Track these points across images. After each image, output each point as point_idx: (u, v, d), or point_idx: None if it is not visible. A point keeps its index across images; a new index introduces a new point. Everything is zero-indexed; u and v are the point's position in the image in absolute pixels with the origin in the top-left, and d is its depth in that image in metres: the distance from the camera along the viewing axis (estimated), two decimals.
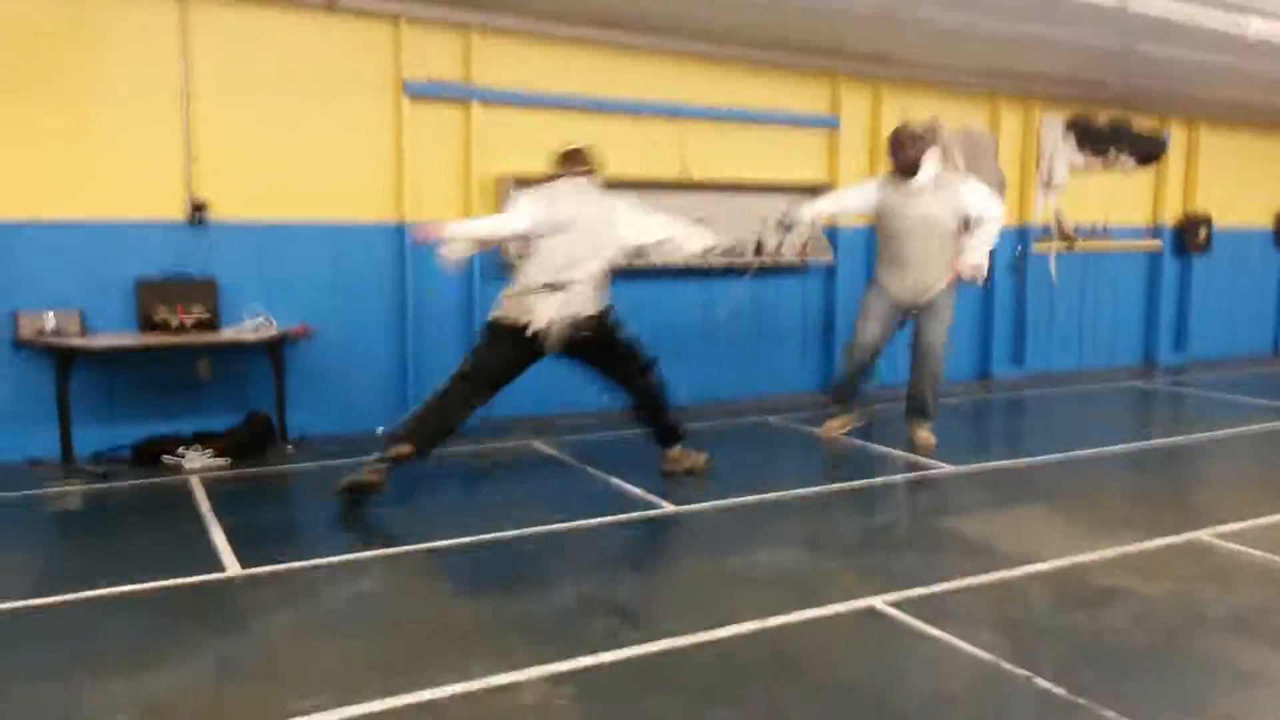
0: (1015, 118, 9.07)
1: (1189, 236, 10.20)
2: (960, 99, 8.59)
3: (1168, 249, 10.19)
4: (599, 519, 4.50)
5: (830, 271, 8.16)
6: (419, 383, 6.52)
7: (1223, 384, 8.89)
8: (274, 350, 5.82)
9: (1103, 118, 9.41)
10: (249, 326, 5.81)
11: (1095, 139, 9.41)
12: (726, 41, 7.29)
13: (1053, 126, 9.20)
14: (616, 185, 6.93)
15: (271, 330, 5.77)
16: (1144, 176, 10.00)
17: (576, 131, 6.91)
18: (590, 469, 5.47)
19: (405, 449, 4.74)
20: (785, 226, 6.59)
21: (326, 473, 5.38)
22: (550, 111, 6.87)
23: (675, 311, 7.44)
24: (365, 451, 5.78)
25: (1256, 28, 6.58)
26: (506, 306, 4.99)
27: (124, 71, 5.66)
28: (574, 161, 5.24)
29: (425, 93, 6.43)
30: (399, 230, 6.44)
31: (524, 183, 6.68)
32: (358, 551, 4.04)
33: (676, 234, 5.28)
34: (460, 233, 5.07)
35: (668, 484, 5.07)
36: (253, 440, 5.70)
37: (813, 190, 7.89)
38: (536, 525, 4.38)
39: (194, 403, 5.92)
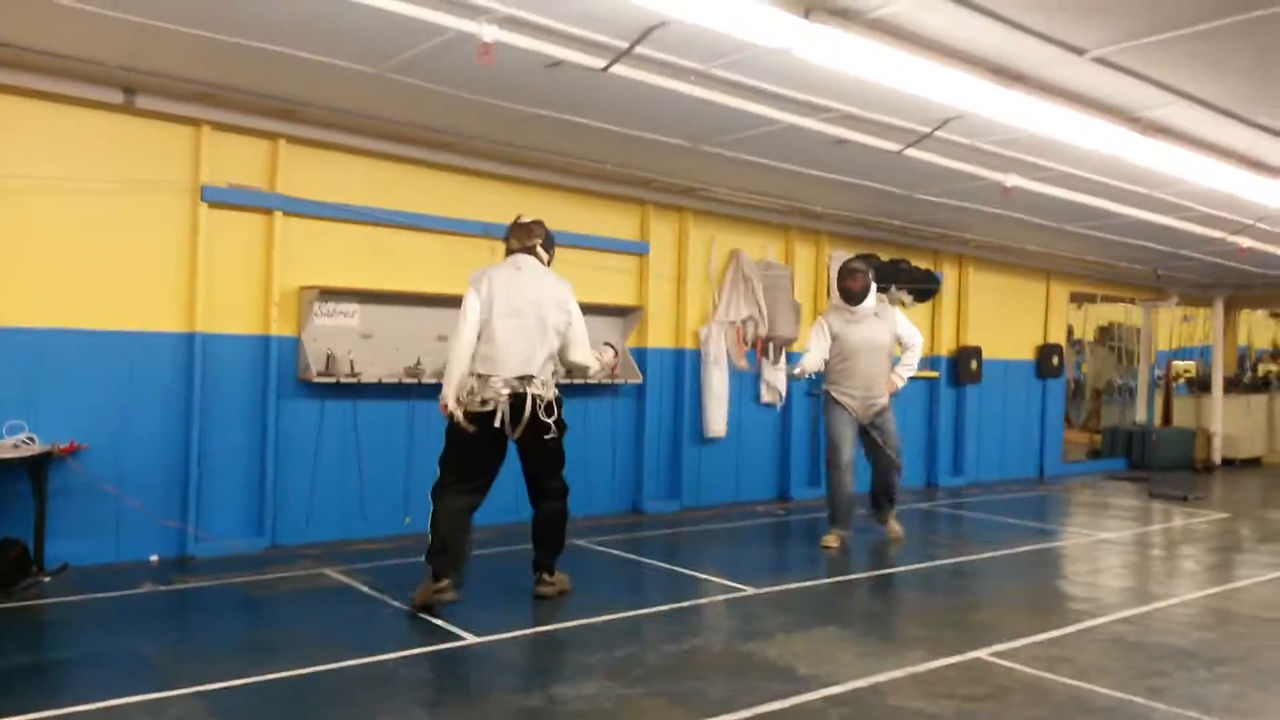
0: (808, 251, 9.69)
1: (962, 367, 11.08)
2: (759, 232, 9.11)
3: (944, 378, 11.02)
4: (395, 653, 4.27)
5: (640, 390, 8.31)
6: (201, 505, 6.09)
7: (996, 506, 9.57)
8: (36, 470, 5.30)
9: (884, 255, 10.21)
10: (8, 443, 5.28)
11: (878, 275, 10.12)
12: (539, 166, 7.49)
13: (840, 262, 9.85)
14: (428, 300, 6.94)
15: (33, 448, 5.27)
16: (922, 311, 10.85)
17: (385, 246, 6.88)
18: (387, 598, 5.21)
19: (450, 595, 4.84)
20: (795, 377, 7.43)
21: (88, 607, 4.89)
22: (358, 224, 6.79)
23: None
24: (136, 583, 5.33)
25: (1013, 180, 7.36)
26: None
27: None
28: (518, 235, 5.24)
29: (225, 199, 6.21)
30: (189, 340, 6.10)
31: (328, 294, 6.54)
32: (119, 698, 3.64)
33: (584, 370, 5.38)
34: (449, 387, 4.88)
35: (466, 612, 4.86)
36: (4, 571, 5.09)
37: (623, 312, 8.11)
38: (326, 662, 4.10)
39: None
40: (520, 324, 4.95)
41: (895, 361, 7.27)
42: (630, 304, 8.25)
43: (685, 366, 8.63)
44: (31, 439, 5.35)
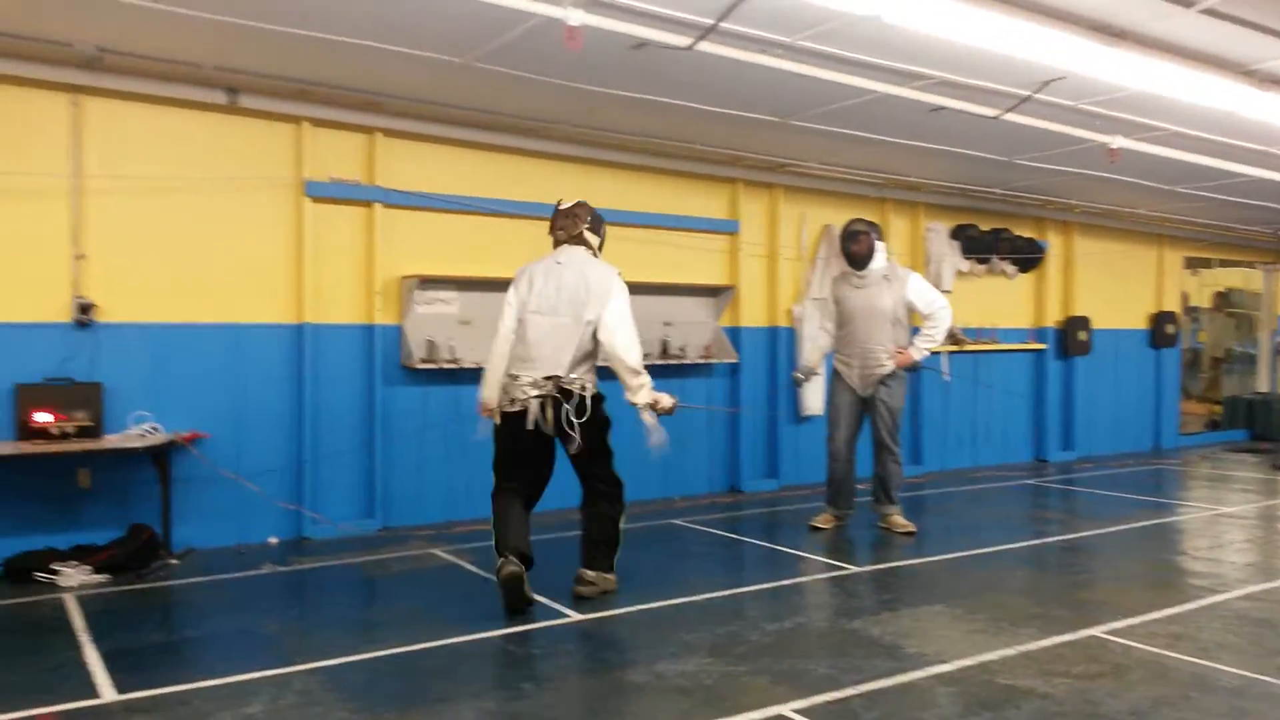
0: (904, 224, 9.49)
1: (1070, 338, 10.71)
2: (853, 205, 8.95)
3: (1051, 350, 10.67)
4: (500, 630, 4.37)
5: (734, 369, 8.28)
6: (315, 489, 6.33)
7: (1108, 481, 9.24)
8: (160, 458, 5.58)
9: (985, 225, 9.92)
10: (135, 433, 5.57)
11: (978, 246, 9.89)
12: (626, 149, 7.50)
13: (939, 233, 9.64)
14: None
15: (158, 437, 5.54)
16: (1026, 281, 10.52)
17: (481, 234, 7.00)
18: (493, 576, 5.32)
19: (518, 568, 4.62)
20: (801, 381, 7.15)
21: (212, 588, 5.13)
22: (454, 214, 6.91)
23: None
24: (256, 564, 5.56)
25: (1120, 142, 7.07)
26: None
27: (9, 166, 5.49)
28: (561, 224, 4.99)
29: (327, 193, 6.40)
30: (297, 331, 6.32)
31: (428, 283, 6.69)
32: (244, 674, 3.82)
33: (630, 370, 4.75)
34: (484, 388, 4.85)
35: (568, 590, 4.95)
36: (135, 554, 5.38)
37: (714, 291, 8.08)
38: (436, 639, 4.22)
39: (74, 514, 5.61)
40: (553, 321, 4.76)
41: (915, 332, 6.62)
42: (722, 283, 8.21)
43: (780, 345, 8.57)
44: (156, 429, 5.62)
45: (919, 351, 6.51)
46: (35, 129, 5.56)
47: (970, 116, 6.41)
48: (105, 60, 5.44)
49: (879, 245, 6.55)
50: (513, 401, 4.74)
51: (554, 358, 4.73)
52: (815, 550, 6.06)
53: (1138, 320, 11.72)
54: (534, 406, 4.69)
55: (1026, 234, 10.35)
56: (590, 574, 4.92)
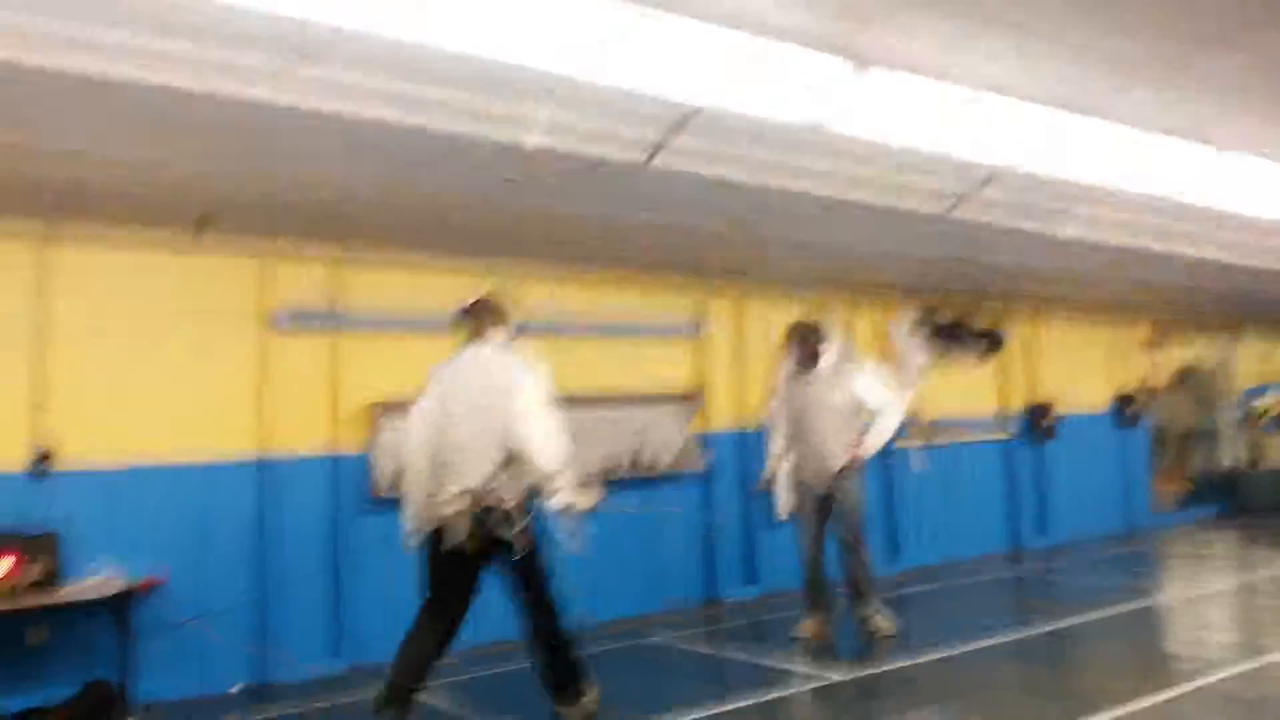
0: (867, 318, 9.60)
1: (1036, 423, 10.78)
2: (818, 303, 9.02)
3: (1019, 437, 10.72)
4: None
5: (705, 476, 8.22)
6: (280, 628, 6.11)
7: (1087, 566, 9.19)
8: (119, 607, 5.36)
9: (945, 316, 10.08)
10: (91, 583, 5.37)
11: (939, 335, 10.03)
12: (593, 260, 7.56)
13: (900, 327, 9.77)
14: None
15: (115, 584, 5.34)
16: (989, 369, 10.64)
17: (439, 352, 6.94)
18: (467, 712, 5.12)
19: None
20: (766, 488, 6.86)
21: None
22: (420, 335, 6.87)
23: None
24: (220, 715, 5.33)
25: (1068, 232, 7.25)
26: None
27: None
28: (465, 321, 4.66)
29: (291, 323, 6.36)
30: (260, 467, 6.20)
31: (394, 408, 6.61)
32: None
33: (545, 474, 4.29)
34: (410, 521, 4.49)
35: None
36: (90, 713, 5.12)
37: (683, 398, 8.09)
38: None
39: (28, 672, 5.34)
40: (462, 430, 4.36)
41: (867, 427, 6.49)
42: (690, 389, 8.22)
43: (749, 447, 8.53)
44: (113, 577, 5.42)
45: (866, 449, 6.44)
46: None
47: (918, 215, 6.56)
48: (69, 205, 5.45)
49: (824, 346, 6.59)
50: (432, 520, 4.38)
51: (466, 468, 4.31)
52: (799, 660, 5.91)
53: (1101, 402, 11.85)
54: (455, 523, 4.30)
55: (988, 322, 10.51)
56: (564, 710, 4.53)
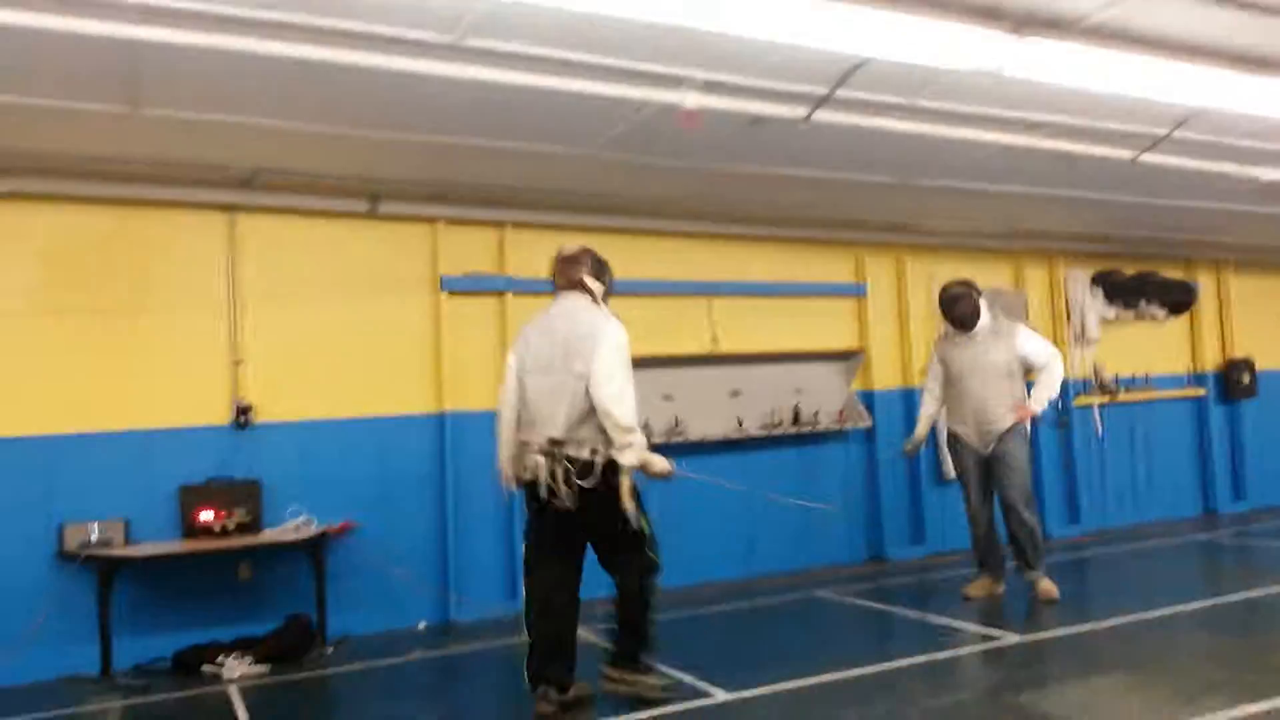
0: (1040, 275, 9.17)
1: (1233, 381, 10.05)
2: (984, 259, 8.71)
3: (1212, 395, 10.03)
4: (637, 712, 4.29)
5: (869, 434, 8.10)
6: (460, 573, 6.44)
7: None
8: (314, 549, 5.79)
9: (1129, 270, 9.49)
10: (290, 526, 5.81)
11: (1123, 291, 9.46)
12: (749, 220, 7.53)
13: (1079, 281, 9.27)
14: (653, 361, 7.12)
15: (311, 529, 5.76)
16: (1180, 325, 9.97)
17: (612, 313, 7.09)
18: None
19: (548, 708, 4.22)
20: (913, 453, 6.89)
21: (366, 675, 5.25)
22: None
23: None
24: (407, 649, 5.67)
25: (1269, 175, 6.69)
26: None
27: (172, 282, 5.94)
28: (559, 271, 4.56)
29: (462, 287, 6.65)
30: (439, 420, 6.52)
31: None
32: None
33: (618, 428, 4.18)
34: (499, 460, 4.54)
35: (710, 671, 4.80)
36: (292, 644, 5.58)
37: (844, 356, 7.97)
38: None
39: (236, 607, 5.86)
40: (546, 380, 4.33)
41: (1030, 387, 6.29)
42: (851, 348, 8.09)
43: (914, 406, 8.32)
44: (309, 521, 5.85)
45: (1039, 404, 6.22)
46: (195, 246, 6.00)
47: (1103, 160, 6.19)
48: (257, 180, 5.86)
49: (982, 302, 6.33)
50: (525, 469, 4.36)
51: (550, 417, 4.28)
52: (969, 620, 5.77)
53: None
54: (541, 473, 4.26)
55: (1175, 275, 9.84)
56: (613, 672, 4.44)
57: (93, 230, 5.77)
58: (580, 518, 4.27)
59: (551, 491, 4.23)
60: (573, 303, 4.48)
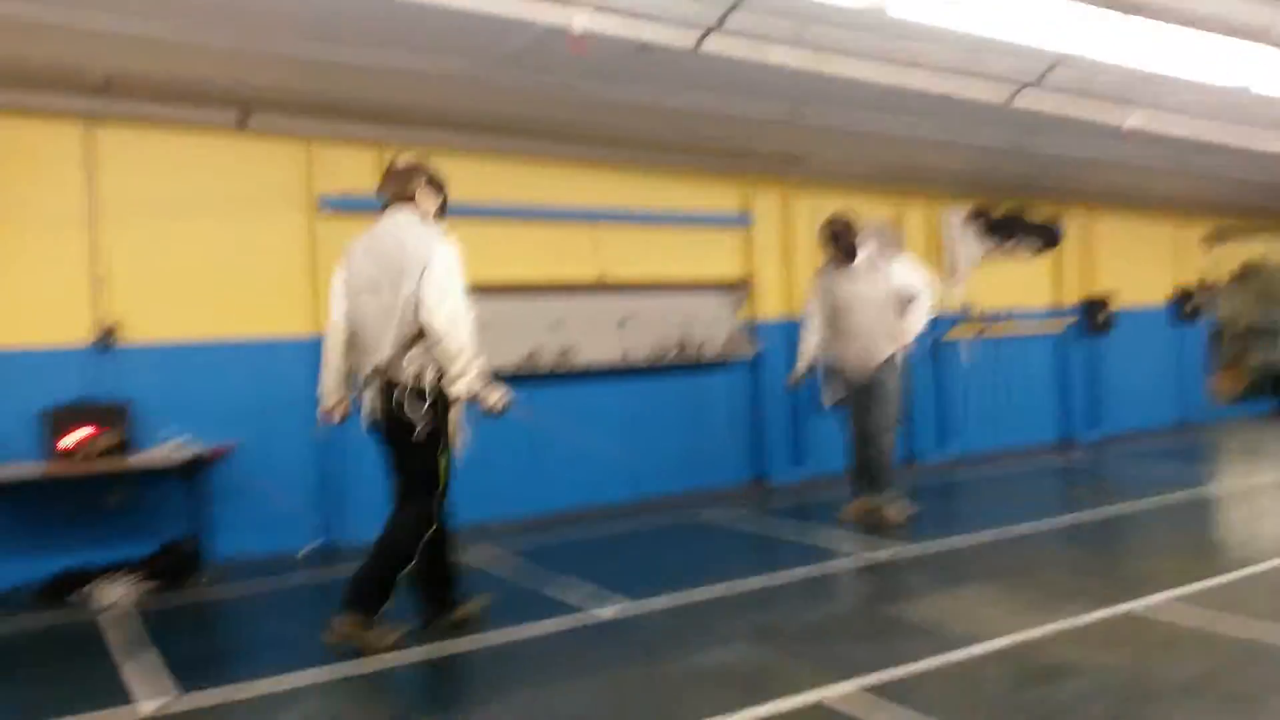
0: (919, 212, 9.44)
1: (1092, 317, 10.62)
2: (866, 195, 8.89)
3: (1073, 329, 10.59)
4: (531, 625, 4.35)
5: (754, 363, 8.26)
6: (341, 496, 6.33)
7: (1138, 458, 9.16)
8: (191, 473, 5.59)
9: (1000, 209, 9.87)
10: (164, 450, 5.58)
11: (994, 230, 9.83)
12: (640, 147, 7.48)
13: (955, 219, 9.59)
14: (538, 289, 7.06)
15: (187, 451, 5.55)
16: (1045, 262, 10.44)
17: (493, 238, 6.98)
18: (544, 569, 5.31)
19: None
20: (796, 385, 7.04)
21: (246, 599, 5.15)
22: (465, 220, 6.86)
23: (600, 407, 7.39)
24: (289, 571, 5.57)
25: (1133, 120, 7.00)
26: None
27: (27, 195, 5.56)
28: (390, 184, 4.26)
29: (339, 206, 6.41)
30: (316, 344, 6.30)
31: None
32: (282, 678, 3.81)
33: (449, 355, 3.93)
34: (320, 387, 4.34)
35: (601, 588, 4.90)
36: (170, 568, 5.39)
37: (730, 287, 8.08)
38: (476, 635, 4.21)
39: (108, 532, 5.62)
40: (375, 300, 4.06)
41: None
42: (738, 278, 8.20)
43: (798, 336, 8.52)
44: (186, 444, 5.63)
45: (909, 333, 6.45)
46: (51, 157, 5.62)
47: (978, 102, 6.36)
48: (114, 86, 5.48)
49: (860, 239, 6.50)
50: (360, 397, 4.21)
51: (378, 342, 4.04)
52: (845, 539, 6.02)
53: (1159, 297, 11.61)
54: (366, 400, 4.14)
55: (1043, 216, 10.27)
56: (339, 623, 4.01)
57: None
58: (394, 450, 4.12)
59: (374, 421, 4.10)
60: (397, 221, 4.17)
